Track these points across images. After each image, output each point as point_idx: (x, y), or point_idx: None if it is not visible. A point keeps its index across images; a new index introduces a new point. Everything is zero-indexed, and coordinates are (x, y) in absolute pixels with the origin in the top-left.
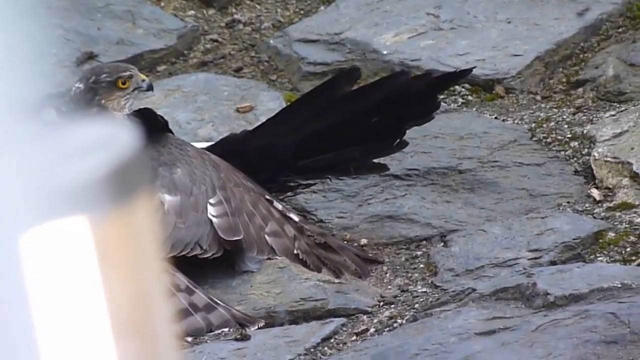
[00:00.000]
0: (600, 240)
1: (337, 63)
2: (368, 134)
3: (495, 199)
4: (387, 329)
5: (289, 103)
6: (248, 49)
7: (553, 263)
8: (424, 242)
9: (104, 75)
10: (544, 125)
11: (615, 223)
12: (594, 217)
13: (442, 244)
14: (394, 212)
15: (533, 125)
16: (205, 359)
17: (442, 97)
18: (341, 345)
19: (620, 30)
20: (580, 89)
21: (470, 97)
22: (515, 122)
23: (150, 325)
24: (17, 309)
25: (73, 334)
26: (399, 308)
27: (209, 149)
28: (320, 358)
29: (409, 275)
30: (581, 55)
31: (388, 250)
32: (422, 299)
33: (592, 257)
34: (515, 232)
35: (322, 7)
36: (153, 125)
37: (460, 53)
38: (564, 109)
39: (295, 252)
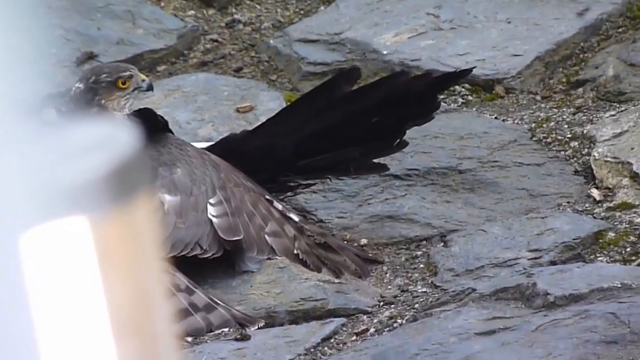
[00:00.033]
0: (600, 240)
1: (337, 63)
2: (368, 134)
3: (495, 199)
4: (387, 329)
5: (289, 103)
6: (248, 49)
7: (553, 263)
8: (424, 242)
9: (104, 75)
10: (544, 125)
11: (615, 223)
12: (594, 217)
13: (442, 244)
14: (394, 212)
15: (533, 125)
16: (205, 359)
17: (442, 97)
18: (341, 345)
19: (620, 30)
20: (580, 89)
21: (470, 97)
22: (515, 122)
23: (150, 325)
24: (17, 309)
25: (73, 334)
26: (399, 308)
27: (209, 149)
28: (320, 358)
29: (409, 275)
30: (581, 55)
31: (388, 250)
32: (422, 299)
33: (592, 257)
34: (515, 232)
35: (322, 7)
36: (153, 125)
37: (460, 53)
38: (564, 109)
39: (295, 252)
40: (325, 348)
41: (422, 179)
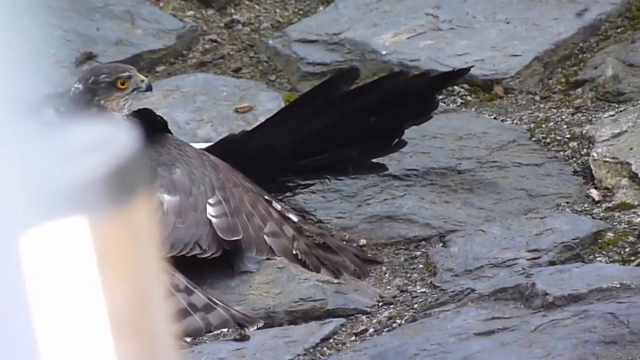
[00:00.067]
0: (599, 241)
1: (336, 63)
2: (366, 133)
3: (494, 199)
4: (386, 329)
5: (288, 103)
6: (247, 49)
7: (552, 263)
8: (423, 242)
9: (103, 75)
10: (543, 126)
11: (614, 223)
12: (593, 218)
13: (441, 244)
14: (393, 213)
15: (532, 125)
16: (204, 359)
17: (441, 97)
18: (340, 345)
19: (619, 30)
20: (579, 89)
21: (469, 98)
22: (514, 122)
23: (150, 325)
24: (17, 309)
25: (72, 334)
26: (398, 308)
27: (208, 149)
28: (320, 358)
29: (408, 275)
30: (580, 56)
31: (387, 251)
32: (421, 299)
33: (591, 257)
34: (514, 233)
35: (321, 8)
36: (152, 126)
37: (459, 53)
38: (563, 109)
39: (294, 252)
40: (325, 348)
41: (421, 179)
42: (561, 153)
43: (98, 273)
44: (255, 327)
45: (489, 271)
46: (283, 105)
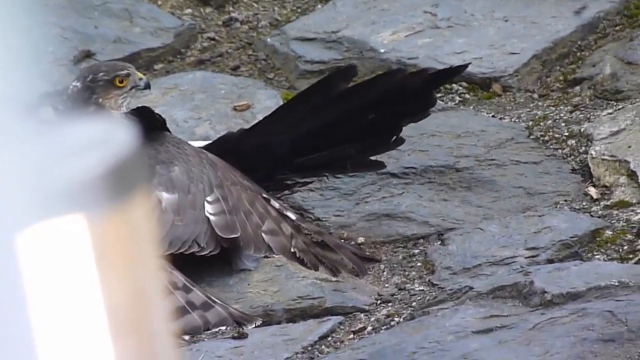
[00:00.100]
0: (598, 239)
1: (334, 61)
2: (364, 131)
3: (492, 197)
4: (385, 327)
5: (286, 101)
6: (245, 48)
7: (550, 261)
8: (421, 240)
9: (102, 73)
10: (541, 124)
11: (613, 221)
12: (591, 216)
13: (439, 242)
14: (391, 211)
15: (530, 123)
16: (203, 358)
17: (439, 95)
18: (338, 343)
19: (617, 28)
20: (578, 87)
21: (467, 95)
22: (513, 120)
23: (148, 323)
24: (15, 308)
25: (71, 332)
26: (396, 306)
27: (206, 147)
28: (318, 356)
29: (406, 273)
30: (578, 54)
31: (385, 249)
32: (419, 297)
33: (589, 255)
34: (513, 231)
35: (319, 6)
36: (151, 124)
37: (458, 51)
38: (561, 107)
39: (292, 250)
40: (323, 346)
41: (420, 177)
42: (559, 151)
43: (96, 271)
44: (254, 325)
45: (487, 269)
46: (281, 103)
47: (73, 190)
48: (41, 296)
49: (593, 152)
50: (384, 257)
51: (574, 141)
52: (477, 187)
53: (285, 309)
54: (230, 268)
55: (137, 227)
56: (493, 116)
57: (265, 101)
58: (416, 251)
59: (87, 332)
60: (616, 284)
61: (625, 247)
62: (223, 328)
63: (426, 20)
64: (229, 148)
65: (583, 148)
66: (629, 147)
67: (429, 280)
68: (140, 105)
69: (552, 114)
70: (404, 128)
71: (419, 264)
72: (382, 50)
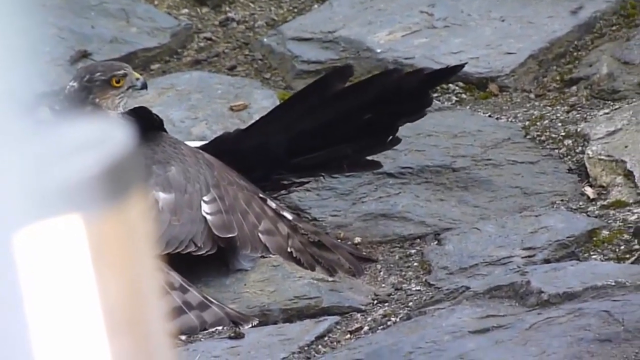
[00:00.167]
0: (594, 239)
1: (330, 61)
2: (361, 131)
3: (489, 197)
4: (381, 327)
5: (282, 101)
6: (242, 48)
7: (547, 261)
8: (418, 240)
9: (98, 73)
10: (538, 124)
11: (609, 221)
12: (588, 215)
13: (436, 242)
14: (388, 211)
15: (527, 123)
16: (199, 358)
17: (436, 95)
18: (335, 343)
19: (614, 28)
20: (574, 87)
21: (464, 95)
22: (509, 120)
23: (144, 323)
24: (11, 307)
25: (67, 332)
26: (392, 306)
27: (202, 147)
28: (314, 356)
29: (403, 273)
30: (575, 54)
31: (382, 249)
32: (416, 297)
33: (585, 255)
34: (509, 231)
35: (315, 6)
36: (148, 124)
37: (454, 51)
38: (558, 107)
39: (288, 250)
40: (319, 346)
41: (416, 177)
42: (556, 151)
43: (93, 271)
44: (250, 325)
45: (484, 269)
46: (278, 103)
47: (70, 190)
48: (38, 296)
49: (590, 152)
50: (380, 257)
51: (570, 141)
52: (474, 187)
53: (281, 309)
54: (226, 268)
55: (134, 227)
56: (490, 116)
57: (262, 101)
58: (413, 251)
59: (83, 332)
60: (613, 284)
61: (622, 247)
62: (220, 328)
63: (423, 20)
64: (225, 148)
65: (580, 148)
66: (626, 147)
67: (425, 280)
68: (137, 105)
69: (548, 114)
70: (400, 128)
71: (415, 263)
72: (378, 50)
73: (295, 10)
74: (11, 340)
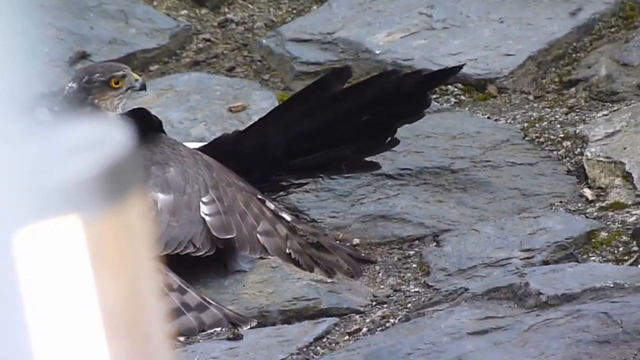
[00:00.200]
0: (593, 240)
1: (329, 63)
2: (359, 132)
3: (487, 198)
4: (380, 328)
5: (281, 102)
6: (240, 49)
7: (545, 263)
8: (417, 241)
9: (97, 74)
10: (537, 125)
11: (608, 223)
12: (587, 217)
13: (434, 243)
14: (387, 212)
15: (525, 124)
16: (198, 359)
17: (434, 96)
18: (334, 344)
19: (612, 30)
20: (573, 89)
21: (462, 97)
22: (508, 121)
23: (143, 324)
24: (10, 307)
25: (65, 333)
26: (391, 308)
27: (201, 149)
28: (313, 357)
29: (402, 274)
30: (574, 55)
31: (380, 250)
32: (414, 299)
33: (584, 256)
34: (508, 232)
35: (314, 7)
36: (147, 125)
37: (453, 53)
38: (557, 109)
39: (287, 251)
40: (318, 348)
41: (415, 179)
42: (555, 152)
43: (92, 272)
44: (249, 327)
45: (483, 271)
46: (277, 104)
47: (69, 190)
48: (37, 296)
49: (588, 154)
50: (379, 259)
51: (569, 143)
52: (473, 188)
53: (280, 310)
54: (225, 269)
55: (133, 228)
56: (488, 117)
57: (261, 102)
58: (411, 252)
59: (82, 333)
60: (611, 285)
61: (621, 249)
62: (218, 329)
63: (421, 21)
64: (224, 149)
65: (578, 149)
66: (624, 148)
67: (424, 282)
68: (136, 106)
69: (547, 116)
70: (399, 129)
71: (414, 265)
72: (377, 52)
73: (294, 11)
74: (11, 340)
